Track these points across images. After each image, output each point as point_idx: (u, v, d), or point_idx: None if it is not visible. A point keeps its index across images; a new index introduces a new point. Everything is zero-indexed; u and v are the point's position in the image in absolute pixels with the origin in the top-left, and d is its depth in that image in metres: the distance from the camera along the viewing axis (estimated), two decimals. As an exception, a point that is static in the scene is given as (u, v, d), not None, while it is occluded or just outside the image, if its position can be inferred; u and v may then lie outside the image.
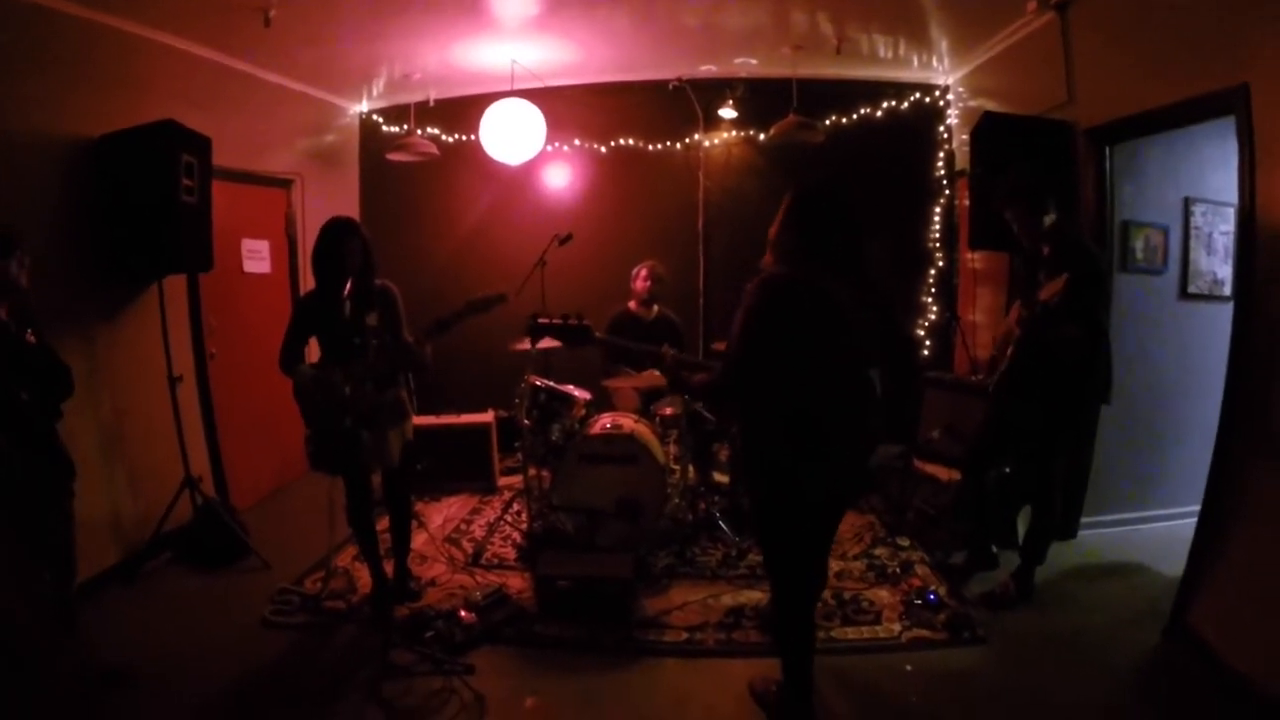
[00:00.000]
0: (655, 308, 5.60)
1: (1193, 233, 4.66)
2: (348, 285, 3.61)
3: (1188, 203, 4.65)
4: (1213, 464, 3.40)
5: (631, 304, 5.60)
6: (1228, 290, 4.64)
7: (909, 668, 3.35)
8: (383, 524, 4.13)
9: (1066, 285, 3.37)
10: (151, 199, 4.10)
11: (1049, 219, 3.63)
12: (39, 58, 3.88)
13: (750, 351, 2.53)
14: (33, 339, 2.96)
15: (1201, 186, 4.62)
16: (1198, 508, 3.48)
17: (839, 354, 2.56)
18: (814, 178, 2.74)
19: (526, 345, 4.69)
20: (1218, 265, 4.72)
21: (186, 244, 4.29)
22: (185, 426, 4.57)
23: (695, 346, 6.42)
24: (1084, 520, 4.65)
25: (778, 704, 3.02)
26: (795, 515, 2.68)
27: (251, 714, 3.14)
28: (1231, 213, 4.45)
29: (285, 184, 6.10)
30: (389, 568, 4.08)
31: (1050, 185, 3.68)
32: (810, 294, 2.53)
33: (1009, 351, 3.75)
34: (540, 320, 3.23)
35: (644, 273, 5.53)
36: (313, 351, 3.79)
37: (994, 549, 4.19)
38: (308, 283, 3.71)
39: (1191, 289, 4.70)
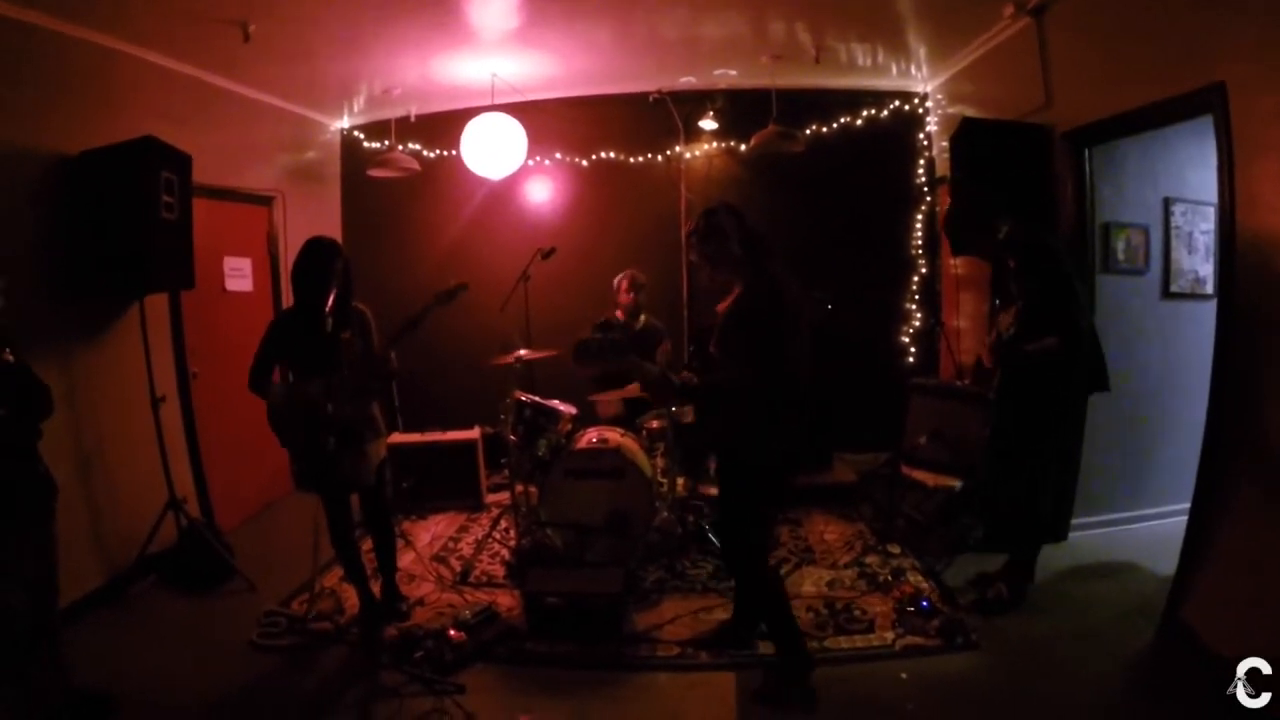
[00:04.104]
0: (642, 318, 5.58)
1: (1173, 232, 4.70)
2: (330, 301, 3.59)
3: (1167, 202, 4.68)
4: (1201, 461, 3.41)
5: (618, 313, 5.59)
6: (1209, 288, 4.67)
7: (904, 675, 3.33)
8: (368, 544, 4.10)
9: (1027, 307, 3.52)
10: (132, 216, 4.07)
11: (1002, 230, 3.65)
12: (17, 72, 3.85)
13: (778, 344, 2.92)
14: (10, 357, 2.92)
15: (1180, 186, 4.65)
16: (1187, 505, 3.49)
17: (805, 339, 3.06)
18: (712, 204, 3.25)
19: (511, 359, 4.67)
20: (1199, 264, 4.76)
21: (167, 262, 4.26)
22: (169, 447, 4.51)
23: (681, 358, 6.40)
24: (1074, 522, 4.63)
25: (786, 679, 3.17)
26: (784, 480, 3.27)
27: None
28: (1211, 211, 4.49)
29: (267, 201, 6.06)
30: (376, 588, 4.04)
31: (996, 199, 3.70)
32: (791, 287, 3.02)
33: (995, 370, 3.81)
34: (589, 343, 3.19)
35: (625, 284, 5.52)
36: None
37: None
38: (290, 301, 3.72)
39: (1174, 288, 4.73)
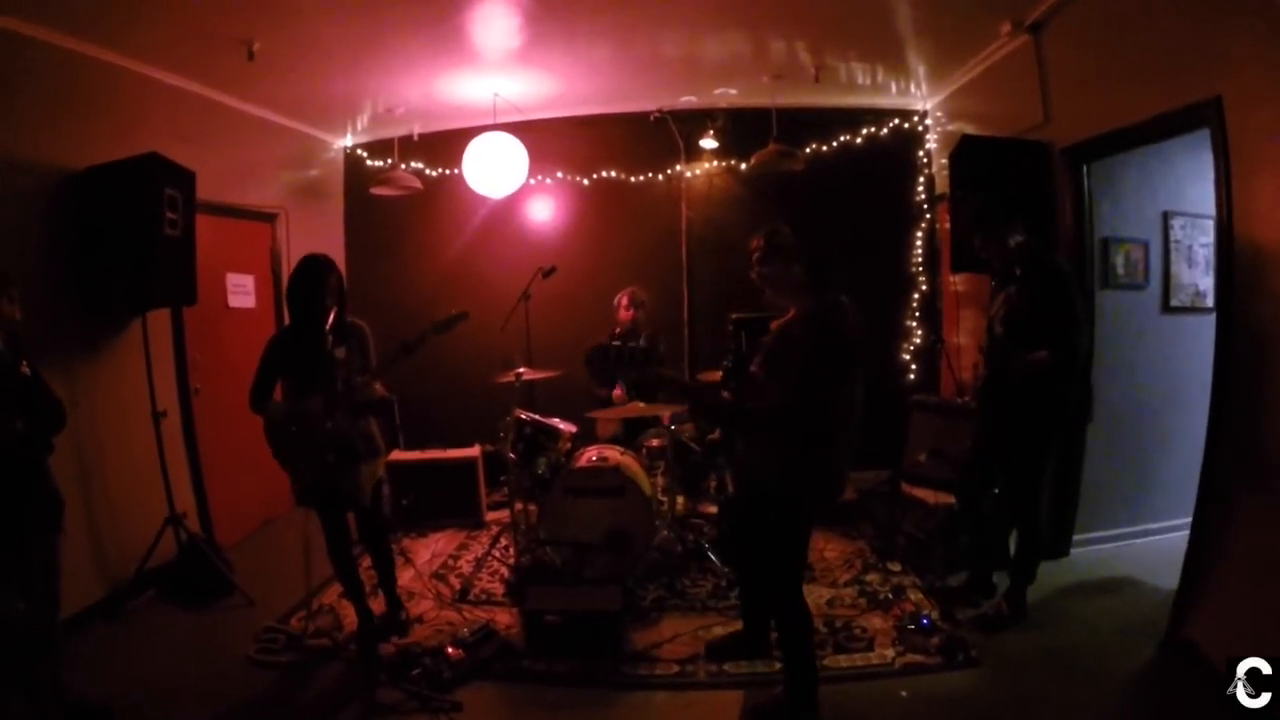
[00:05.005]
0: (641, 336, 5.59)
1: (1173, 246, 4.70)
2: (330, 319, 3.61)
3: (1166, 217, 4.69)
4: (1202, 475, 3.39)
5: (617, 330, 5.61)
6: (1210, 302, 4.64)
7: (904, 694, 3.29)
8: (368, 560, 4.10)
9: (1015, 301, 3.56)
10: (135, 232, 4.11)
11: (1015, 239, 3.66)
12: (24, 88, 3.90)
13: (832, 373, 2.79)
14: (27, 370, 2.95)
15: (1179, 200, 4.66)
16: (1189, 519, 3.48)
17: (860, 368, 2.91)
18: (781, 221, 3.15)
19: (511, 378, 4.68)
20: (1199, 277, 4.76)
21: (170, 278, 4.30)
22: (169, 462, 4.53)
23: (682, 376, 6.41)
24: (1076, 538, 4.61)
25: (793, 706, 3.07)
26: (819, 513, 3.13)
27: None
28: (1210, 225, 4.44)
29: (270, 218, 6.11)
30: (375, 605, 4.03)
31: (1015, 207, 3.71)
32: (853, 316, 2.89)
33: (983, 372, 3.83)
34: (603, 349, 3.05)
35: (625, 300, 5.56)
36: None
37: (994, 578, 4.14)
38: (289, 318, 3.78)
39: (1174, 302, 4.73)
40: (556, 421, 4.86)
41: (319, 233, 6.59)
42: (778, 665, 3.44)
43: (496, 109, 5.98)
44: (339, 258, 6.66)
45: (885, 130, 6.47)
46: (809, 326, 2.82)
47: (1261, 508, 3.08)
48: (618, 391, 5.42)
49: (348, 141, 7.03)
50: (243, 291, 5.74)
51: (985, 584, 4.13)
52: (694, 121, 6.45)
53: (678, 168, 6.70)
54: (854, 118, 6.48)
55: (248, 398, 3.66)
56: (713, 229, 6.67)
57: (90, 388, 4.24)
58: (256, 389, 3.66)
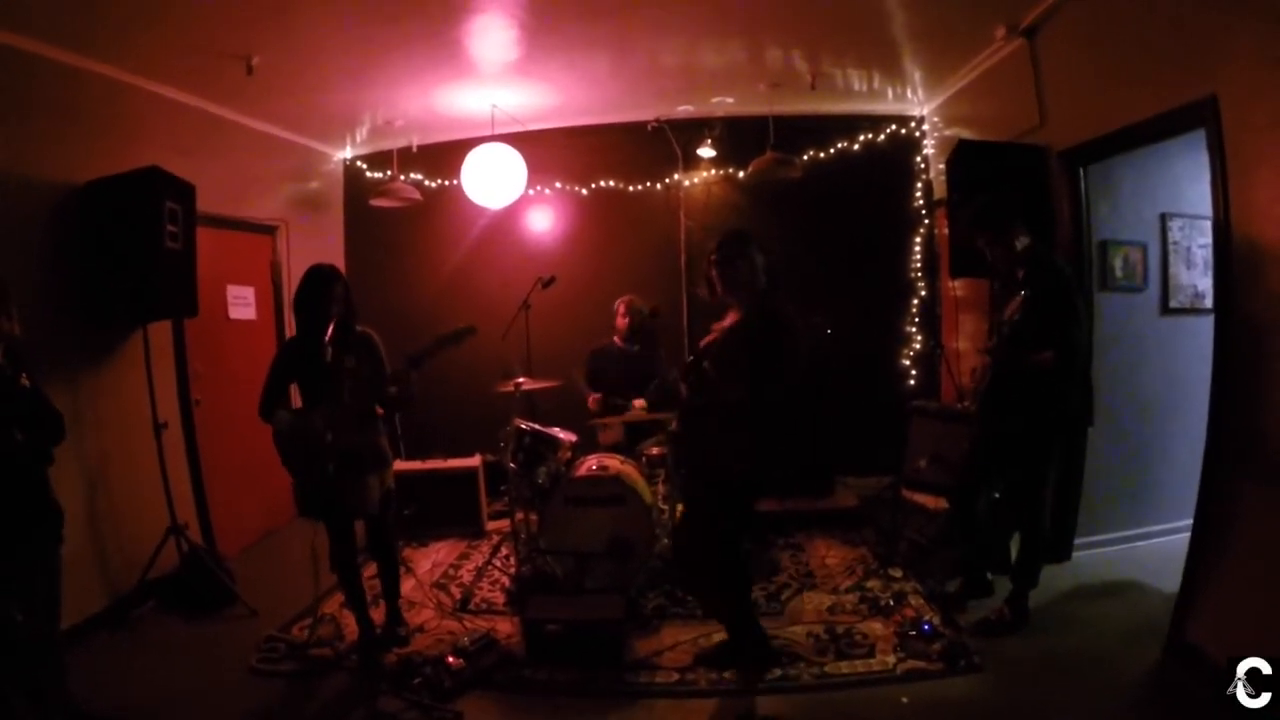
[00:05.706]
0: (636, 348, 5.60)
1: (1171, 248, 4.70)
2: (330, 329, 3.61)
3: (1164, 218, 4.69)
4: (1202, 477, 3.38)
5: (615, 339, 5.61)
6: (1209, 303, 4.56)
7: (905, 700, 3.28)
8: (370, 571, 4.11)
9: (1027, 304, 3.51)
10: (136, 245, 4.13)
11: (1021, 242, 3.65)
12: (25, 103, 3.93)
13: (777, 369, 3.05)
14: (27, 383, 2.96)
15: (1177, 201, 4.66)
16: (1192, 522, 3.45)
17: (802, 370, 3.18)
18: (734, 227, 3.55)
19: (510, 388, 4.68)
20: (1198, 278, 4.75)
21: (171, 290, 4.31)
22: (171, 473, 4.53)
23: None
24: (1078, 541, 4.59)
25: (746, 649, 3.41)
26: (750, 500, 3.34)
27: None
28: (1208, 226, 4.45)
29: (270, 230, 6.13)
30: (377, 614, 4.02)
31: (1018, 208, 3.71)
32: (795, 323, 3.16)
33: (985, 375, 3.81)
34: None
35: (622, 309, 5.56)
36: (293, 399, 3.81)
37: (989, 576, 4.14)
38: (293, 329, 3.78)
39: (1173, 304, 4.73)
40: (556, 431, 4.85)
41: (319, 245, 6.60)
42: (777, 671, 3.46)
43: (495, 120, 6.01)
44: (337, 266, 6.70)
45: (882, 136, 6.49)
46: (759, 328, 3.11)
47: (1262, 508, 3.06)
48: (592, 401, 5.42)
49: (347, 154, 7.07)
50: (243, 303, 5.76)
51: (979, 585, 4.12)
52: (691, 130, 6.48)
53: (676, 177, 6.72)
54: (851, 124, 6.50)
55: (257, 406, 3.68)
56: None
57: (92, 399, 4.26)
58: (265, 398, 3.69)
